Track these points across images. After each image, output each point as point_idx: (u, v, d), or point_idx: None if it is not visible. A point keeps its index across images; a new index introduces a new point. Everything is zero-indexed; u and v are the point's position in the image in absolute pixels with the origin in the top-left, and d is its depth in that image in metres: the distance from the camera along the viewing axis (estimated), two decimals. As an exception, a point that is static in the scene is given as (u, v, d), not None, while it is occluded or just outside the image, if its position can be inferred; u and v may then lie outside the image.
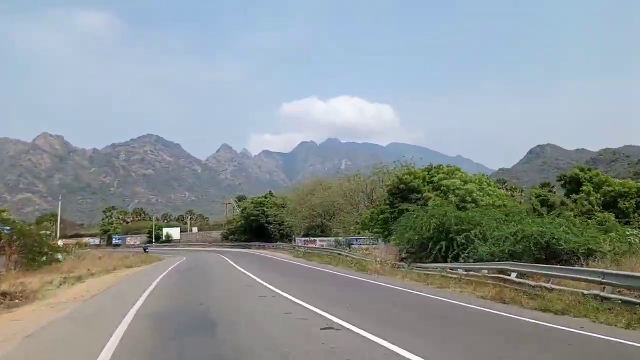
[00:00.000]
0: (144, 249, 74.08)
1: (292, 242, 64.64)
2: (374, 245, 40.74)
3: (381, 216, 39.86)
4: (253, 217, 68.86)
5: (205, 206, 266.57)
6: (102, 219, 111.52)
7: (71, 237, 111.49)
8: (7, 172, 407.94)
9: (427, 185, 38.70)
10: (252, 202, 73.32)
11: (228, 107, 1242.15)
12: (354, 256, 33.24)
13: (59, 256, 40.66)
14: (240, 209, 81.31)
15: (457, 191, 35.19)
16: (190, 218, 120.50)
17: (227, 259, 41.39)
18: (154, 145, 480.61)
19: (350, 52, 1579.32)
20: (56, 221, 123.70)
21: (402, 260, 27.08)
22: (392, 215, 39.54)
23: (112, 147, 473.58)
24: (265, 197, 72.97)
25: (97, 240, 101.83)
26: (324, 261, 33.03)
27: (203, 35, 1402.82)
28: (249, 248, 68.83)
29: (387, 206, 40.11)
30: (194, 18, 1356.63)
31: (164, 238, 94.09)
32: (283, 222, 67.32)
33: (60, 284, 21.69)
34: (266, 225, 68.80)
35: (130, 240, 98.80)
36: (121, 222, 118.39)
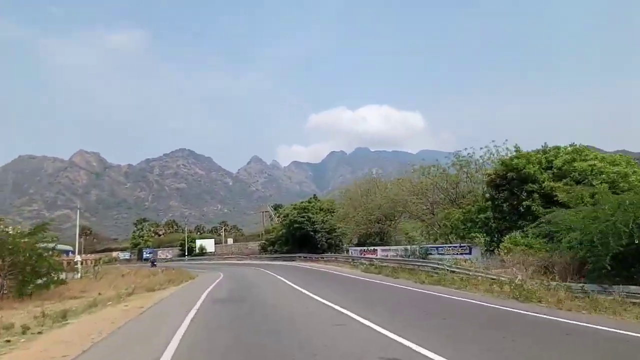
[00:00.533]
0: (152, 263, 65.72)
1: (345, 252, 54.37)
2: (464, 256, 30.17)
3: (481, 216, 29.27)
4: (297, 225, 58.90)
5: (238, 218, 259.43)
6: (133, 232, 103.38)
7: (102, 251, 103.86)
8: (46, 190, 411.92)
9: (545, 172, 28.03)
10: (294, 208, 63.35)
11: (257, 120, 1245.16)
12: (458, 270, 22.89)
13: (63, 276, 31.63)
14: (280, 217, 71.37)
15: (602, 176, 24.38)
16: (225, 229, 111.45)
17: (279, 276, 31.53)
18: (187, 159, 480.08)
19: (379, 60, 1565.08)
20: (81, 234, 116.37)
21: (578, 281, 16.57)
22: (500, 215, 28.92)
23: (146, 162, 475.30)
24: (310, 202, 62.98)
25: (127, 255, 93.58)
26: (420, 279, 22.61)
27: (231, 51, 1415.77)
28: (294, 260, 58.77)
29: (489, 202, 29.51)
30: (222, 34, 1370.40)
31: (197, 251, 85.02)
32: (333, 229, 57.08)
33: (24, 331, 12.06)
34: (312, 233, 58.79)
35: (161, 253, 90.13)
36: (153, 234, 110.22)
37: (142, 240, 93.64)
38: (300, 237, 60.45)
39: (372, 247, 46.62)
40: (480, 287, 18.24)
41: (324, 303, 14.70)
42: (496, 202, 29.19)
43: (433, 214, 39.74)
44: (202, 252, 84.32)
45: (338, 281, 25.74)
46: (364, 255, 45.62)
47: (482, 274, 20.92)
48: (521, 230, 27.57)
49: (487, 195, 30.72)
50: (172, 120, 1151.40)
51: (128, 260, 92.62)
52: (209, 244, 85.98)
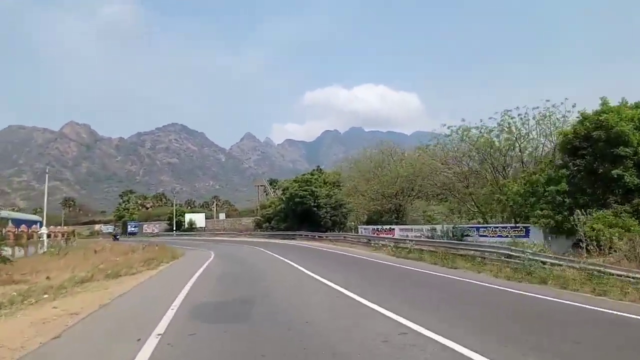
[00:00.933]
0: (114, 237, 59.40)
1: (352, 231, 47.46)
2: (519, 239, 23.14)
3: (551, 188, 22.13)
4: (297, 200, 51.73)
5: (230, 195, 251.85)
6: (119, 204, 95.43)
7: (85, 224, 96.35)
8: (36, 161, 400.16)
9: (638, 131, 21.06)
10: (295, 181, 56.02)
11: (251, 97, 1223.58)
12: (550, 261, 15.97)
13: (9, 252, 24.73)
14: (279, 191, 64.08)
15: None
16: (217, 204, 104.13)
17: (288, 260, 24.30)
18: (179, 134, 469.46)
19: (375, 39, 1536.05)
20: (65, 205, 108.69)
21: None
22: (576, 187, 21.86)
23: (137, 136, 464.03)
24: (313, 174, 55.77)
25: (111, 228, 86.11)
26: (500, 273, 15.55)
27: (226, 26, 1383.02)
28: (294, 238, 51.87)
29: (563, 171, 22.40)
30: (217, 8, 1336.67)
31: (186, 225, 77.70)
32: (340, 205, 49.95)
33: None
34: (314, 209, 51.70)
35: (147, 227, 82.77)
36: (140, 207, 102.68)
37: (128, 213, 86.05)
38: (302, 212, 53.32)
39: (387, 226, 39.70)
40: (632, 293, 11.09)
41: (381, 312, 7.62)
42: (572, 171, 22.13)
43: (467, 187, 32.63)
44: (192, 227, 77.08)
45: (380, 272, 18.39)
46: (378, 235, 38.79)
47: (603, 269, 13.87)
48: (610, 208, 20.66)
49: (559, 161, 23.64)
50: (165, 95, 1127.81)
51: (111, 235, 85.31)
52: (199, 219, 78.66)
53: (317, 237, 48.56)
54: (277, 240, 52.54)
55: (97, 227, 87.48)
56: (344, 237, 43.08)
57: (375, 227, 41.77)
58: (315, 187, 52.85)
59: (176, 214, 79.88)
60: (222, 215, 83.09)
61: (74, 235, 51.38)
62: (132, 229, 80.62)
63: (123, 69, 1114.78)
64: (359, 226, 45.33)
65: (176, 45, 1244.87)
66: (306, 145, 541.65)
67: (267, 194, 79.46)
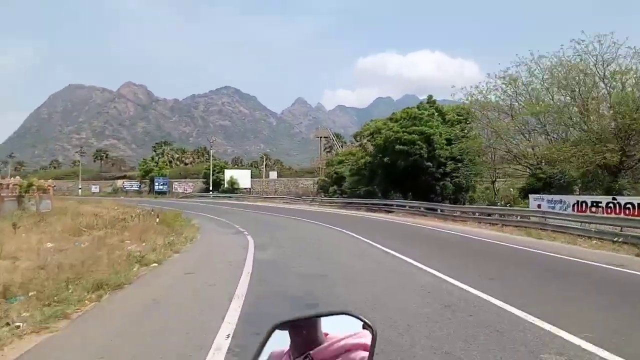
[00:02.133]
0: None
1: (506, 205, 25.04)
2: None
3: None
4: (398, 148, 29.47)
5: (280, 158, 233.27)
6: (148, 158, 75.81)
7: (114, 178, 77.99)
8: (94, 119, 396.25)
9: None
10: (393, 119, 33.30)
11: (303, 63, 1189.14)
12: None
13: None
14: (364, 138, 40.83)
15: None
16: (267, 162, 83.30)
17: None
18: (232, 97, 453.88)
19: (433, 4, 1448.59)
20: (96, 158, 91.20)
21: None
22: None
23: (191, 99, 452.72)
24: (420, 108, 32.77)
25: (136, 185, 67.26)
26: None
27: None
28: (390, 211, 30.10)
29: None
30: None
31: (226, 185, 57.20)
32: (471, 160, 27.43)
33: None
34: (428, 165, 29.60)
35: (179, 186, 63.16)
36: (177, 162, 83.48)
37: (157, 167, 66.62)
38: (404, 170, 31.09)
39: (605, 199, 17.22)
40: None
41: None
42: None
43: None
44: (234, 188, 56.59)
45: None
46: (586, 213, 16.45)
47: None
48: None
49: None
50: (219, 60, 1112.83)
51: (139, 192, 66.28)
52: (242, 177, 57.84)
53: (439, 211, 26.43)
54: (361, 213, 30.95)
55: (119, 182, 69.01)
56: (500, 215, 21.05)
57: (580, 198, 19.30)
58: (429, 128, 30.23)
59: (215, 171, 59.62)
60: (273, 174, 62.07)
61: (45, 192, 31.27)
62: (160, 187, 61.25)
63: (179, 34, 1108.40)
64: (535, 197, 22.56)
65: (231, 14, 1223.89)
66: (358, 112, 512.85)
67: (332, 149, 57.82)
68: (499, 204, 26.32)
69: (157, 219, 22.79)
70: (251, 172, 62.17)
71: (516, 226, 19.43)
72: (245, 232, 18.46)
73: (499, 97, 25.70)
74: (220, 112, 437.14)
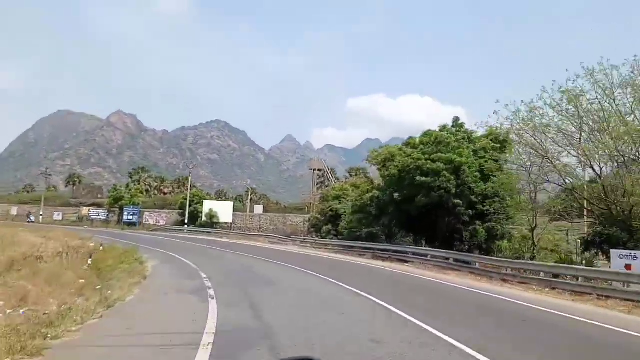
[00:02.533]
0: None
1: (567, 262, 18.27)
2: None
3: None
4: (419, 181, 22.73)
5: (267, 194, 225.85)
6: (119, 186, 67.51)
7: (80, 205, 69.66)
8: (81, 147, 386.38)
9: None
10: (410, 145, 26.48)
11: (294, 99, 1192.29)
12: None
13: None
14: (373, 165, 33.49)
15: None
16: (252, 195, 76.07)
17: None
18: (221, 131, 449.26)
19: (423, 50, 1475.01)
20: (68, 182, 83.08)
21: None
22: None
23: (181, 130, 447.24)
24: (453, 130, 25.95)
25: (104, 214, 59.19)
26: None
27: (274, 27, 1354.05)
28: (405, 261, 23.23)
29: None
30: (267, 9, 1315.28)
31: (204, 218, 49.49)
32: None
33: None
34: (455, 204, 22.89)
35: (150, 217, 55.36)
36: (154, 191, 75.81)
37: (128, 195, 58.81)
38: (424, 208, 24.28)
39: None
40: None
41: None
42: None
43: None
44: (213, 222, 48.95)
45: None
46: None
47: None
48: None
49: None
50: (210, 92, 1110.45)
51: (106, 222, 58.19)
52: (223, 210, 50.20)
53: (475, 264, 19.46)
54: (367, 262, 23.88)
55: (84, 210, 60.92)
56: (575, 276, 14.15)
57: None
58: (459, 156, 23.64)
59: (194, 202, 52.13)
60: (258, 209, 54.62)
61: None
62: (130, 217, 53.46)
63: (171, 65, 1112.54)
64: (617, 252, 15.76)
65: (224, 45, 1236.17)
66: (346, 152, 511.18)
67: (328, 182, 51.02)
68: (578, 261, 19.32)
69: (89, 261, 15.62)
70: (234, 205, 54.71)
71: (616, 298, 12.59)
72: (211, 290, 11.28)
73: (561, 114, 19.15)
74: (209, 145, 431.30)
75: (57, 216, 62.11)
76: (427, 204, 24.12)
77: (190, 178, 57.71)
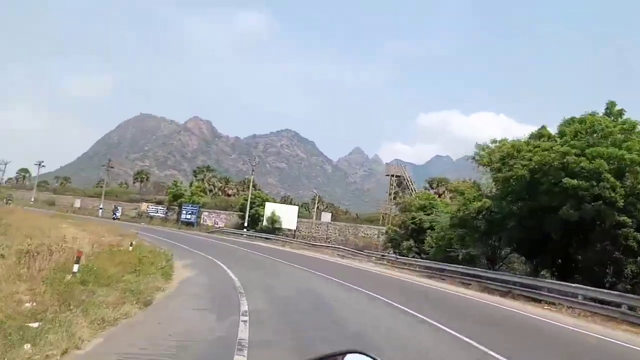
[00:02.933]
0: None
1: None
2: None
3: None
4: (567, 184, 15.39)
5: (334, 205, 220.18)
6: (189, 183, 63.95)
7: (143, 201, 67.08)
8: (159, 149, 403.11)
9: None
10: (541, 135, 19.27)
11: (365, 112, 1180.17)
12: None
13: None
14: (487, 158, 25.43)
15: None
16: (319, 203, 70.21)
17: None
18: (291, 140, 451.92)
19: (500, 67, 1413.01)
20: (137, 179, 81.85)
21: None
22: None
23: (252, 138, 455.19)
24: (602, 121, 18.83)
25: (162, 211, 55.53)
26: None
27: (348, 42, 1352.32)
28: (537, 300, 15.61)
29: None
30: (342, 24, 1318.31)
31: (265, 223, 43.92)
32: None
33: None
34: (621, 222, 15.34)
35: (209, 218, 50.80)
36: (218, 192, 72.09)
37: (189, 193, 54.84)
38: (564, 227, 16.68)
39: None
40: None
41: None
42: None
43: None
44: (274, 227, 43.26)
45: None
46: None
47: None
48: None
49: None
50: (282, 102, 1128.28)
51: (164, 220, 54.46)
52: (287, 214, 44.17)
53: None
54: (480, 296, 16.46)
55: (143, 206, 57.72)
56: None
57: None
58: (627, 151, 15.92)
59: (255, 203, 46.87)
60: (326, 216, 48.21)
61: None
62: (188, 216, 49.13)
63: (247, 76, 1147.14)
64: None
65: (298, 58, 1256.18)
66: (415, 168, 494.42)
67: (406, 190, 43.84)
68: None
69: (75, 267, 9.82)
70: (299, 210, 48.85)
71: None
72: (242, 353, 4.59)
73: None
74: (278, 154, 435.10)
75: (117, 211, 59.64)
76: (571, 220, 16.47)
77: (252, 177, 52.74)
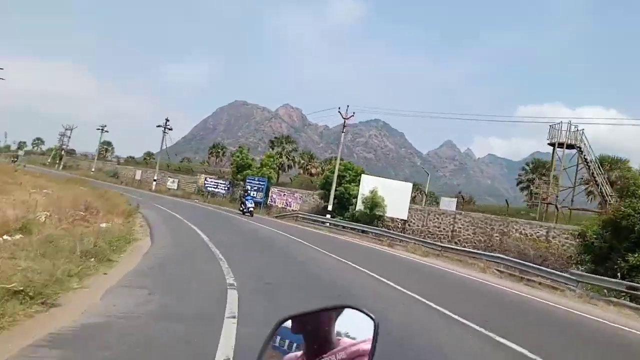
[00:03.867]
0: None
1: None
2: None
3: None
4: None
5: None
6: (239, 154, 49.18)
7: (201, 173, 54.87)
8: (251, 135, 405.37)
9: None
10: None
11: (458, 104, 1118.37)
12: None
13: None
14: None
15: None
16: (422, 190, 53.73)
17: None
18: (380, 130, 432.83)
19: (611, 60, 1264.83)
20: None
21: None
22: None
23: (341, 127, 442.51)
24: None
25: (224, 186, 42.17)
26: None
27: (442, 34, 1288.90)
28: None
29: None
30: (435, 16, 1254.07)
31: (359, 205, 28.07)
32: None
33: None
34: None
35: (279, 197, 36.09)
36: (300, 171, 58.63)
37: (258, 164, 41.21)
38: None
39: None
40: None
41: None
42: None
43: None
44: (373, 214, 27.08)
45: None
46: None
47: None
48: None
49: None
50: (371, 92, 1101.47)
51: (226, 197, 41.14)
52: (395, 195, 26.80)
53: None
54: None
55: (201, 179, 44.74)
56: None
57: None
58: None
59: (345, 179, 31.69)
60: (448, 203, 30.69)
61: None
62: (252, 193, 34.84)
63: (338, 66, 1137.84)
64: None
65: (390, 49, 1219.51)
66: (509, 164, 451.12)
67: (580, 170, 25.98)
68: None
69: None
70: (411, 192, 32.09)
71: None
72: None
73: None
74: (366, 144, 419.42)
75: (172, 184, 47.69)
76: None
77: (342, 144, 37.56)
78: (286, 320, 1.17)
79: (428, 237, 26.65)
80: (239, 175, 39.78)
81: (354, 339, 1.12)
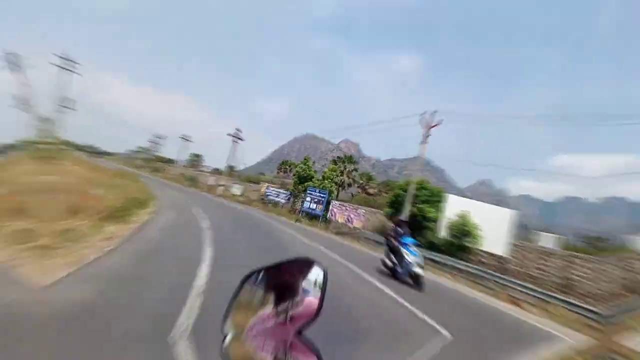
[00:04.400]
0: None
1: None
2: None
3: None
4: None
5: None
6: (303, 166, 40.30)
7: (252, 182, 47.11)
8: (316, 165, 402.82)
9: None
10: None
11: (500, 145, 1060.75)
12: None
13: None
14: None
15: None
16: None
17: None
18: (424, 166, 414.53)
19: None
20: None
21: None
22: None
23: (390, 160, 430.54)
24: None
25: (284, 195, 33.86)
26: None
27: (490, 78, 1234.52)
28: None
29: None
30: (481, 67, 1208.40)
31: (443, 232, 18.77)
32: None
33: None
34: None
35: (340, 212, 26.95)
36: (358, 190, 49.34)
37: (320, 177, 32.83)
38: None
39: None
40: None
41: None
42: None
43: None
44: (461, 244, 17.49)
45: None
46: None
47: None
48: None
49: None
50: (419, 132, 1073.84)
51: (286, 207, 32.66)
52: (491, 222, 17.59)
53: None
54: None
55: (263, 187, 36.94)
56: None
57: None
58: None
59: (419, 199, 22.17)
60: (547, 238, 20.01)
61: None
62: (312, 206, 26.11)
63: (394, 105, 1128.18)
64: None
65: (441, 93, 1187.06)
66: (542, 205, 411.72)
67: None
68: None
69: None
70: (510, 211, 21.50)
71: None
72: None
73: None
74: (409, 176, 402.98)
75: (236, 190, 40.29)
76: None
77: (423, 156, 27.95)
78: (252, 274, 1.10)
79: (529, 283, 16.30)
80: (300, 186, 31.49)
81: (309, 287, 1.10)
